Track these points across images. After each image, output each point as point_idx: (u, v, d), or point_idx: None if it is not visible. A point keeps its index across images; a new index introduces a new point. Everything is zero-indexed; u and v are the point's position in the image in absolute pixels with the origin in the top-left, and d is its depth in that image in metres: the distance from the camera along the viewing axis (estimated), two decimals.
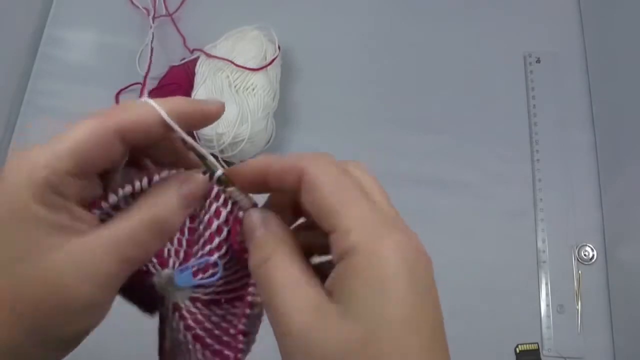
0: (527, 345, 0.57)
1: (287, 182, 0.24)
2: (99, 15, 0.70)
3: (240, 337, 0.26)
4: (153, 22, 0.65)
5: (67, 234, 0.22)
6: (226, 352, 0.26)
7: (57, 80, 0.66)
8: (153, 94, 0.63)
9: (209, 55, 0.61)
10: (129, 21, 0.69)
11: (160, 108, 0.24)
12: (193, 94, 0.60)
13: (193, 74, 0.62)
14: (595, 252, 0.60)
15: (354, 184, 0.23)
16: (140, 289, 0.26)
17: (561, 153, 0.64)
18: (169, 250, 0.26)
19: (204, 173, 0.26)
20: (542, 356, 0.56)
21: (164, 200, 0.24)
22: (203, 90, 0.60)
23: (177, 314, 0.26)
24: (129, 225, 0.23)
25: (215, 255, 0.26)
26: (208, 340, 0.26)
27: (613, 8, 0.66)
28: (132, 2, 0.68)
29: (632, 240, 0.58)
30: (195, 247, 0.26)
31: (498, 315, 0.58)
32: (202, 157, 0.26)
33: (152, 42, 0.65)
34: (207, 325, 0.26)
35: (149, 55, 0.64)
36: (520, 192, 0.63)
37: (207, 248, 0.26)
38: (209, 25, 0.66)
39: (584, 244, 0.61)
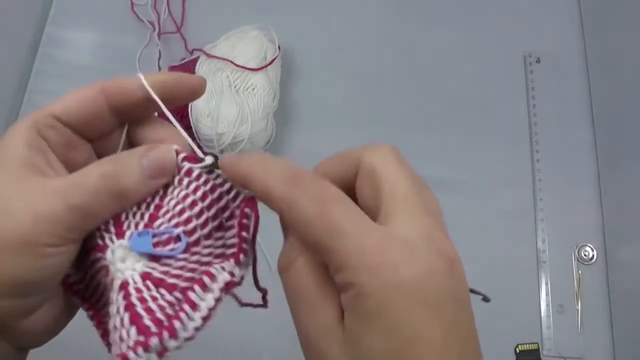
0: (527, 345, 0.57)
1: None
2: (99, 15, 0.70)
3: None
4: (159, 39, 0.65)
5: (32, 171, 0.23)
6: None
7: (57, 80, 0.66)
8: None
9: (209, 55, 0.61)
10: (129, 21, 0.69)
11: (143, 77, 0.26)
12: None
13: (193, 74, 0.62)
14: (595, 252, 0.60)
15: (340, 207, 0.22)
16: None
17: (561, 153, 0.64)
18: (129, 223, 0.25)
19: (203, 155, 0.26)
20: (542, 356, 0.56)
21: (123, 160, 0.25)
22: None
23: (122, 293, 0.23)
24: (81, 174, 0.24)
25: (181, 229, 0.25)
26: (146, 323, 0.22)
27: (613, 8, 0.66)
28: (138, 17, 0.67)
29: (632, 240, 0.58)
30: (159, 221, 0.25)
31: (498, 315, 0.58)
32: (183, 129, 0.26)
33: (159, 60, 0.64)
34: (151, 306, 0.23)
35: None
36: (520, 192, 0.63)
37: (174, 221, 0.25)
38: (209, 25, 0.66)
39: (584, 244, 0.61)
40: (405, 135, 0.64)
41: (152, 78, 0.26)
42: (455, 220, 0.61)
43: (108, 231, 0.25)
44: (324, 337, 0.22)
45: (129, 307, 0.23)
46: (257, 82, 0.60)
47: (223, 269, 0.24)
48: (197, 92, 0.27)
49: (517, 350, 0.57)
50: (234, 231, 0.26)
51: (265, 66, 0.61)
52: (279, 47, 0.62)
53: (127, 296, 0.23)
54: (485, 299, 0.26)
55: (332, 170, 0.25)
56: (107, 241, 0.25)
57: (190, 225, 0.25)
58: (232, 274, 0.24)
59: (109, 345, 0.24)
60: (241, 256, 0.25)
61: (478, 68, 0.68)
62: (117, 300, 0.23)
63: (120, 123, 0.27)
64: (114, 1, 0.70)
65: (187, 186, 0.25)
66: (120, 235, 0.25)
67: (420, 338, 0.20)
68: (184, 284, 0.24)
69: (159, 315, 0.23)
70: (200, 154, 0.26)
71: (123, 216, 0.25)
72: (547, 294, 0.59)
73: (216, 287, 0.24)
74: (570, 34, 0.70)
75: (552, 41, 0.70)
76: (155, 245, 0.24)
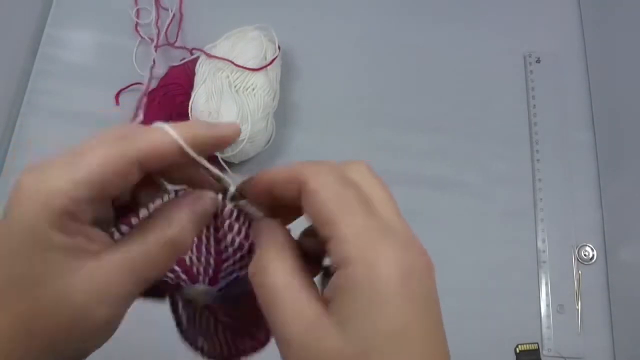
0: (527, 345, 0.57)
1: (290, 192, 0.24)
2: (99, 15, 0.70)
3: None
4: (155, 52, 0.65)
5: (84, 256, 0.22)
6: (258, 335, 0.28)
7: (57, 80, 0.66)
8: (153, 94, 0.63)
9: (209, 55, 0.61)
10: (129, 21, 0.69)
11: (178, 136, 0.23)
12: (193, 94, 0.60)
13: (193, 74, 0.62)
14: (595, 252, 0.60)
15: (352, 193, 0.23)
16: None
17: (561, 153, 0.64)
18: (197, 269, 0.27)
19: (218, 192, 0.26)
20: (542, 356, 0.56)
21: (178, 221, 0.24)
22: (203, 90, 0.60)
23: (207, 311, 0.28)
24: (144, 246, 0.23)
25: (244, 271, 0.27)
26: (237, 326, 0.28)
27: (613, 8, 0.66)
28: (140, 35, 0.67)
29: (632, 240, 0.58)
30: (225, 265, 0.27)
31: (498, 315, 0.58)
32: (218, 180, 0.27)
33: (152, 68, 0.65)
34: (235, 314, 0.28)
35: (148, 79, 0.64)
36: (520, 192, 0.63)
37: (238, 265, 0.28)
38: (209, 25, 0.66)
39: (584, 244, 0.61)
40: (405, 135, 0.65)
41: (185, 131, 0.24)
42: (455, 220, 0.61)
43: (179, 278, 0.27)
44: (311, 333, 0.22)
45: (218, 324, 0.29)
46: (257, 82, 0.60)
47: None
48: (231, 142, 0.26)
49: (517, 350, 0.57)
50: None
51: (265, 66, 0.61)
52: (279, 47, 0.62)
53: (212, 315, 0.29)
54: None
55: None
56: (182, 283, 0.27)
57: (245, 262, 0.28)
58: None
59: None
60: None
61: (478, 68, 0.68)
62: (206, 316, 0.29)
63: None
64: (114, 1, 0.70)
65: (231, 227, 0.27)
66: (194, 280, 0.27)
67: (417, 321, 0.21)
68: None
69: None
70: (228, 184, 0.27)
71: (187, 261, 0.27)
72: (547, 294, 0.59)
73: None
74: (570, 34, 0.70)
75: (552, 41, 0.70)
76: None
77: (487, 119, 0.66)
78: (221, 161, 0.59)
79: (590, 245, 0.60)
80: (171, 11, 0.67)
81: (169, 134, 0.23)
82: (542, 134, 0.65)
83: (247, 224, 0.27)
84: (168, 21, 0.67)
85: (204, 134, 0.25)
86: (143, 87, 0.64)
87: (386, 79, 0.68)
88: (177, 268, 0.26)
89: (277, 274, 0.23)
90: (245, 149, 0.59)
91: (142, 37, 0.66)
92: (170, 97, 0.62)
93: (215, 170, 0.26)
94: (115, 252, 0.23)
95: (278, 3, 0.70)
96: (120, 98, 0.65)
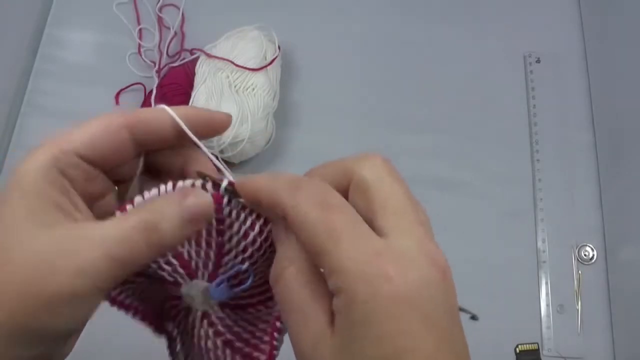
0: (527, 345, 0.57)
1: (276, 215, 0.24)
2: (99, 15, 0.70)
3: (276, 335, 0.26)
4: (158, 76, 0.64)
5: (63, 216, 0.22)
6: (255, 353, 0.27)
7: (57, 80, 0.66)
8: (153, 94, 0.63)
9: (209, 55, 0.61)
10: (129, 21, 0.69)
11: (172, 111, 0.25)
12: (193, 94, 0.60)
13: (193, 74, 0.62)
14: (595, 252, 0.60)
15: (337, 217, 0.22)
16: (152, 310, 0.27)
17: (561, 153, 0.64)
18: (196, 263, 0.26)
19: (205, 182, 0.25)
20: (542, 356, 0.56)
21: (162, 208, 0.24)
22: (203, 90, 0.60)
23: (205, 321, 0.27)
24: (120, 224, 0.23)
25: (247, 264, 0.26)
26: (238, 344, 0.26)
27: (613, 8, 0.66)
28: (143, 59, 0.66)
29: (632, 240, 0.58)
30: (226, 258, 0.26)
31: (498, 315, 0.58)
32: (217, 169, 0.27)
33: (156, 88, 0.64)
34: (236, 329, 0.27)
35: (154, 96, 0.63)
36: (520, 192, 0.63)
37: (240, 258, 0.26)
38: (209, 25, 0.66)
39: (584, 244, 0.61)
40: (405, 135, 0.64)
41: (181, 112, 0.25)
42: (455, 220, 0.61)
43: (176, 272, 0.26)
44: (316, 345, 0.22)
45: (218, 334, 0.26)
46: (257, 82, 0.60)
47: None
48: (223, 127, 0.27)
49: (517, 350, 0.57)
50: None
51: (265, 66, 0.61)
52: (279, 47, 0.62)
53: (211, 325, 0.27)
54: (474, 317, 0.26)
55: (324, 179, 0.25)
56: (179, 279, 0.26)
57: (254, 258, 0.27)
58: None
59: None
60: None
61: (478, 68, 0.68)
62: (200, 326, 0.27)
63: (139, 152, 0.26)
64: (114, 1, 0.70)
65: (244, 220, 0.26)
66: (192, 275, 0.26)
67: (412, 348, 0.20)
68: (253, 300, 0.28)
69: (244, 334, 0.27)
70: (230, 177, 0.26)
71: (186, 255, 0.26)
72: (547, 294, 0.59)
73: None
74: (570, 34, 0.70)
75: (552, 41, 0.70)
76: (229, 281, 0.26)
77: (487, 119, 0.66)
78: (221, 161, 0.59)
79: (590, 245, 0.60)
80: (172, 29, 0.67)
81: (163, 109, 0.25)
82: (542, 134, 0.65)
83: (261, 221, 0.26)
84: (169, 39, 0.67)
85: (196, 115, 0.26)
86: (143, 88, 0.64)
87: (386, 79, 0.68)
88: (174, 261, 0.25)
89: (293, 279, 0.23)
90: (245, 149, 0.59)
91: (144, 60, 0.66)
92: (170, 97, 0.62)
93: (209, 153, 0.27)
94: (92, 224, 0.23)
95: (278, 3, 0.70)
96: (120, 98, 0.65)
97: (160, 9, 0.69)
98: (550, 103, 0.67)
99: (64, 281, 0.21)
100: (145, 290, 0.27)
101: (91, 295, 0.22)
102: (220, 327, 0.26)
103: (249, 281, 0.26)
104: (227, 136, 0.57)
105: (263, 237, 0.26)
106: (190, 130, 0.25)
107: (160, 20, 0.68)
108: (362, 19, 0.71)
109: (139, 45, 0.67)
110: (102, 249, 0.22)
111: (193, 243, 0.26)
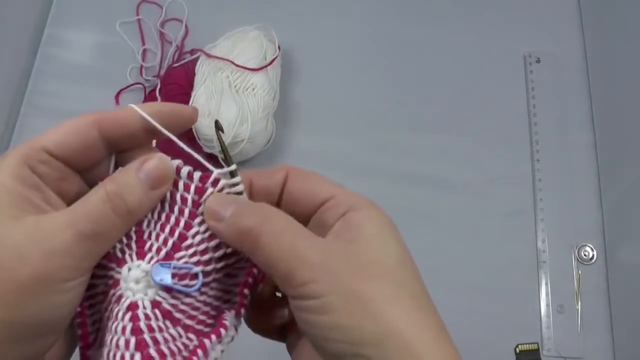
0: (527, 345, 0.57)
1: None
2: (99, 15, 0.70)
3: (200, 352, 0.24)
4: (159, 94, 0.64)
5: (32, 209, 0.23)
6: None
7: (57, 80, 0.66)
8: (153, 94, 0.63)
9: (209, 55, 0.61)
10: (129, 21, 0.69)
11: (139, 109, 0.26)
12: (193, 94, 0.60)
13: (193, 74, 0.62)
14: (595, 252, 0.60)
15: (306, 244, 0.24)
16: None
17: (561, 153, 0.64)
18: (151, 245, 0.25)
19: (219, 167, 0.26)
20: (542, 356, 0.56)
21: (122, 179, 0.24)
22: (203, 90, 0.60)
23: (129, 314, 0.24)
24: (84, 201, 0.24)
25: (200, 268, 0.25)
26: (151, 352, 0.23)
27: (613, 8, 0.66)
28: (144, 78, 0.66)
29: (632, 240, 0.58)
30: (181, 253, 0.25)
31: (498, 315, 0.58)
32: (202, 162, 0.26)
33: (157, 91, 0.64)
34: (157, 337, 0.24)
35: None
36: (520, 192, 0.63)
37: (195, 258, 0.25)
38: (209, 25, 0.66)
39: (584, 244, 0.61)
40: (405, 135, 0.65)
41: (148, 109, 0.26)
42: (455, 220, 0.61)
43: (130, 247, 0.25)
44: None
45: (136, 331, 0.23)
46: (257, 82, 0.60)
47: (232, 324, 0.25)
48: (190, 121, 0.28)
49: (517, 350, 0.57)
50: (237, 280, 0.27)
51: (265, 66, 0.61)
52: (279, 47, 0.62)
53: (134, 319, 0.24)
54: None
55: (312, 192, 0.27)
56: (127, 257, 0.25)
57: (209, 267, 0.26)
58: (236, 328, 0.26)
59: (85, 349, 0.25)
60: (242, 311, 0.26)
61: (478, 68, 0.68)
62: (121, 319, 0.24)
63: (110, 152, 0.27)
64: (114, 1, 0.70)
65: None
66: (141, 255, 0.25)
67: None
68: (188, 322, 0.25)
69: (164, 347, 0.23)
70: (209, 167, 0.26)
71: (146, 235, 0.26)
72: (547, 294, 0.59)
73: (226, 339, 0.25)
74: (570, 34, 0.70)
75: (552, 41, 0.70)
76: (173, 277, 0.25)
77: (487, 119, 0.66)
78: (222, 162, 0.59)
79: (590, 245, 0.60)
80: (174, 43, 0.67)
81: (130, 106, 0.26)
82: (542, 134, 0.65)
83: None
84: (171, 54, 0.67)
85: (164, 110, 0.26)
86: (143, 88, 0.64)
87: (386, 79, 0.68)
88: (132, 235, 0.25)
89: (284, 221, 0.24)
90: (245, 149, 0.59)
91: (145, 78, 0.65)
92: (170, 98, 0.62)
93: (185, 146, 0.27)
94: (61, 212, 0.23)
95: (278, 3, 0.70)
96: (120, 98, 0.65)
97: (162, 24, 0.68)
98: (550, 103, 0.67)
99: (35, 264, 0.21)
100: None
101: (70, 275, 0.22)
102: (141, 325, 0.24)
103: (195, 287, 0.25)
104: (227, 136, 0.57)
105: (229, 250, 0.26)
106: (160, 123, 0.26)
107: (162, 35, 0.68)
108: (362, 19, 0.71)
109: (141, 66, 0.66)
110: (70, 228, 0.22)
111: (158, 226, 0.26)
